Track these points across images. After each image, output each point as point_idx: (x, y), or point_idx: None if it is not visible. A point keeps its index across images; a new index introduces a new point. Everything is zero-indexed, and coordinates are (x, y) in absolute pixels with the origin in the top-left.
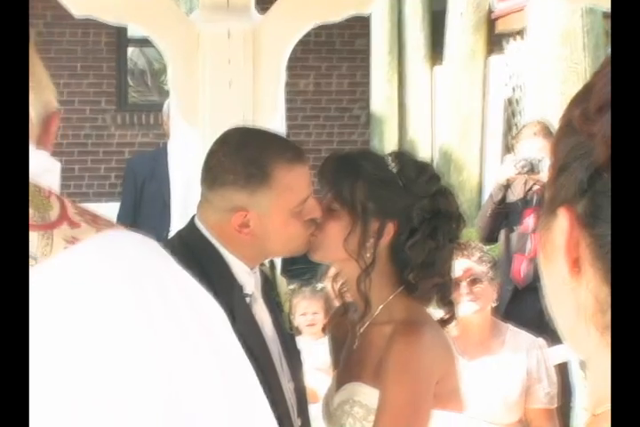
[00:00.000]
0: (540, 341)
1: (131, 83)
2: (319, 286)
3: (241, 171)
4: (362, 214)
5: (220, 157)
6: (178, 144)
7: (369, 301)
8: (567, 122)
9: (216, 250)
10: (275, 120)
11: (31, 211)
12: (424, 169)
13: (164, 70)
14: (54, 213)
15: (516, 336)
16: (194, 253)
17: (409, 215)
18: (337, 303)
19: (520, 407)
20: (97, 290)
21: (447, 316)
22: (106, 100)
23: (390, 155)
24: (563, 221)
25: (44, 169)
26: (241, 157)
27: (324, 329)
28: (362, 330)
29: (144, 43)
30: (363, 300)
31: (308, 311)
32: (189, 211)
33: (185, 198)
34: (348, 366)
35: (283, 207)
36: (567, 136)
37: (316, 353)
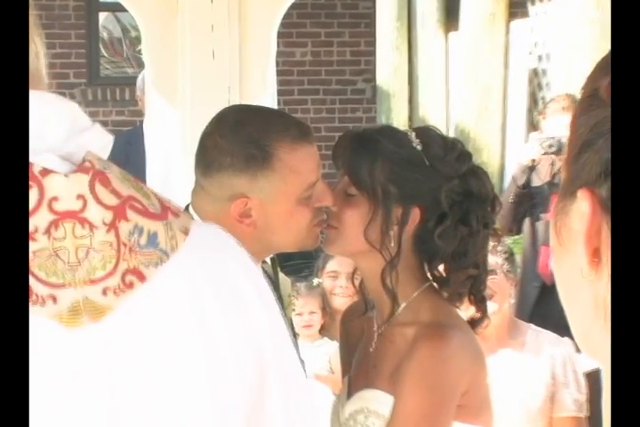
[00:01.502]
0: (567, 341)
1: (104, 53)
2: (315, 281)
3: (239, 152)
4: (383, 199)
5: (215, 138)
6: (154, 124)
7: (397, 297)
8: (592, 92)
9: None
10: (264, 95)
11: (144, 200)
12: (452, 146)
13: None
14: (156, 202)
15: (539, 336)
16: None
17: (437, 199)
18: (336, 301)
19: (544, 417)
20: (228, 285)
21: (478, 315)
22: (75, 74)
23: (414, 130)
24: (583, 206)
25: (99, 146)
26: (239, 136)
27: (321, 330)
28: (380, 331)
29: (117, 7)
30: (390, 297)
31: (303, 311)
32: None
33: (162, 188)
34: (362, 371)
35: (288, 193)
36: (591, 109)
37: (311, 358)
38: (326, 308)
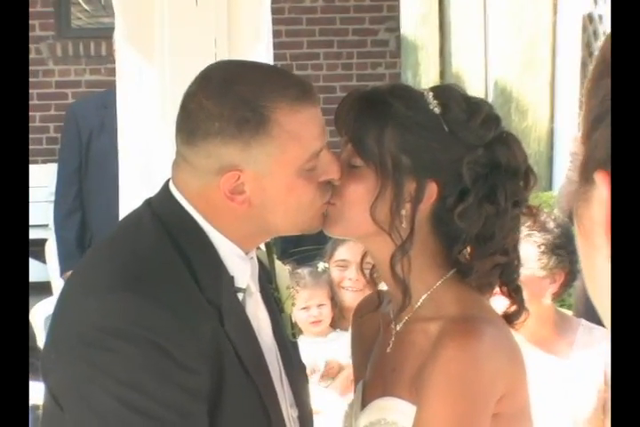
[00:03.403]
0: None
1: None
2: (321, 266)
3: (230, 115)
4: (393, 172)
5: (200, 100)
6: (127, 85)
7: (408, 288)
8: (604, 58)
9: (199, 227)
10: (258, 49)
11: None
12: (477, 108)
13: None
14: None
15: (591, 334)
16: (169, 231)
17: (457, 171)
18: (345, 296)
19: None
20: None
21: (513, 308)
22: (41, 25)
23: (431, 90)
24: (602, 191)
25: None
26: (229, 97)
27: (332, 324)
28: (398, 328)
29: None
30: (400, 287)
31: (311, 304)
32: (145, 176)
33: (138, 161)
34: (378, 376)
35: (288, 164)
36: (602, 77)
37: (316, 357)
38: (335, 298)
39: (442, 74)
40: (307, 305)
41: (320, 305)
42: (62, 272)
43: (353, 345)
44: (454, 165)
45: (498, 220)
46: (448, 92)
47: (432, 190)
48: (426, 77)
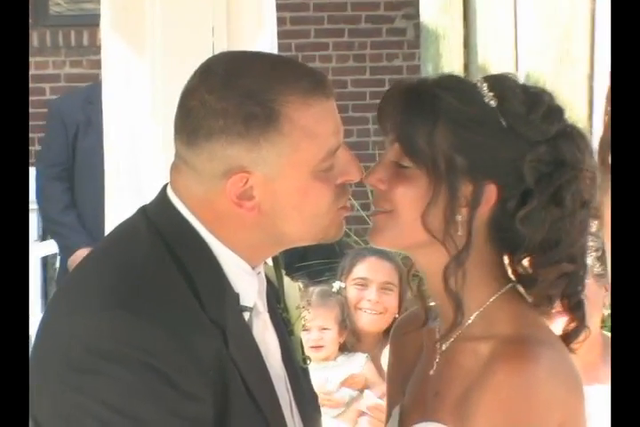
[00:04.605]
0: None
1: None
2: (336, 285)
3: (235, 111)
4: (447, 173)
5: (202, 95)
6: (115, 78)
7: (461, 304)
8: None
9: (201, 238)
10: (261, 39)
11: None
12: (538, 99)
13: None
14: None
15: None
16: (167, 242)
17: (518, 171)
18: (362, 318)
19: None
20: None
21: (573, 325)
22: None
23: (485, 80)
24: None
25: None
26: (234, 91)
27: (341, 348)
28: (444, 348)
29: None
30: (453, 302)
31: (312, 326)
32: (132, 179)
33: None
34: (419, 400)
35: (302, 164)
36: None
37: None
38: (346, 322)
39: (466, 67)
40: (307, 327)
41: (323, 329)
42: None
43: (390, 367)
44: (515, 165)
45: (564, 224)
46: (504, 82)
47: (491, 193)
48: (448, 70)
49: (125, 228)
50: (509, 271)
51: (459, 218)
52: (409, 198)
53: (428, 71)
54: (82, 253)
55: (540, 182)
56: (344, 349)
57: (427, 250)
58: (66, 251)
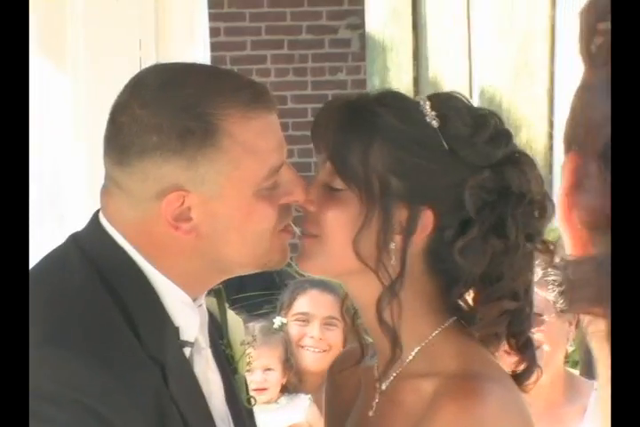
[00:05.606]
0: None
1: None
2: (277, 321)
3: (170, 127)
4: (381, 197)
5: (133, 110)
6: (33, 95)
7: (398, 338)
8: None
9: (137, 267)
10: (192, 51)
11: None
12: (483, 121)
13: None
14: None
15: None
16: (101, 272)
17: (459, 198)
18: (305, 357)
19: None
20: None
21: (524, 366)
22: None
23: (429, 99)
24: (565, 171)
25: None
26: (168, 105)
27: (283, 390)
28: (384, 387)
29: None
30: (389, 337)
31: (255, 367)
32: (55, 202)
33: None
34: None
35: (243, 182)
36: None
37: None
38: (290, 360)
39: (416, 81)
40: (250, 368)
41: (267, 369)
42: None
43: (327, 408)
44: (455, 190)
45: (507, 257)
46: (449, 101)
47: (427, 220)
48: (397, 85)
49: (54, 257)
50: (450, 305)
51: (392, 245)
52: (339, 223)
53: (375, 86)
54: None
55: (482, 211)
56: (285, 390)
57: (359, 279)
58: None
